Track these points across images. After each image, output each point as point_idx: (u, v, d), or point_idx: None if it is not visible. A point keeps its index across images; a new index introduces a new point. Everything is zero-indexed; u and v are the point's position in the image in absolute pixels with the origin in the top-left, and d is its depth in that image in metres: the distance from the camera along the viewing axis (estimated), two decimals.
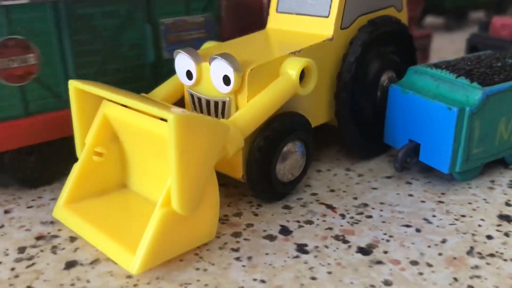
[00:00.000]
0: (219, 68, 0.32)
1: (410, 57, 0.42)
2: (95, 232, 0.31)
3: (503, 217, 0.34)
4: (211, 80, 0.33)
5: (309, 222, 0.33)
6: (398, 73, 0.41)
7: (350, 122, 0.39)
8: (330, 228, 0.32)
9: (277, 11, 0.41)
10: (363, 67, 0.38)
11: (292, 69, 0.33)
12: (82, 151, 0.34)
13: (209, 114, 0.35)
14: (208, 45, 0.39)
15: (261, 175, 0.33)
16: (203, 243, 0.30)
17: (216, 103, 0.34)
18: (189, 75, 0.34)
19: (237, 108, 0.33)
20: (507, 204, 0.35)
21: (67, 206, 0.33)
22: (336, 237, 0.32)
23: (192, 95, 0.35)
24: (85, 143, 0.34)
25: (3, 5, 0.33)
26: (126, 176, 0.35)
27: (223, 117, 0.34)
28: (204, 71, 0.34)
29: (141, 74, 0.40)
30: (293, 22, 0.39)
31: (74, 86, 0.33)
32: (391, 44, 0.40)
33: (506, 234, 0.32)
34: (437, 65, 0.39)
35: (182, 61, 0.34)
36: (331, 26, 0.37)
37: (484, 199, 0.36)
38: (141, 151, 0.34)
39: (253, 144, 0.33)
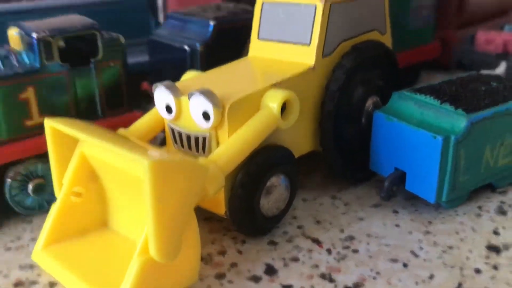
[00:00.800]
0: (198, 104, 0.31)
1: (394, 80, 0.42)
2: (74, 279, 0.30)
3: (491, 248, 0.33)
4: (190, 114, 0.32)
5: (295, 259, 0.32)
6: (382, 97, 0.40)
7: (335, 150, 0.38)
8: (316, 266, 0.32)
9: (258, 38, 0.40)
10: (347, 94, 0.38)
11: (273, 102, 0.33)
12: (60, 191, 0.33)
13: (189, 148, 0.34)
14: (188, 75, 0.38)
15: (245, 211, 0.32)
16: (185, 287, 0.30)
17: (196, 138, 0.33)
18: (168, 109, 0.34)
19: (217, 143, 0.32)
20: (495, 232, 0.35)
21: (46, 249, 0.32)
22: (323, 276, 0.31)
23: (172, 129, 0.34)
24: (63, 183, 0.33)
25: None
26: (106, 215, 0.34)
27: (203, 151, 0.33)
28: (183, 105, 0.33)
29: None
30: (275, 50, 0.39)
31: (50, 125, 0.32)
32: (375, 69, 0.40)
33: (495, 267, 0.31)
34: (421, 90, 0.38)
35: (161, 95, 0.33)
36: (312, 55, 0.36)
37: (472, 227, 0.35)
38: (120, 189, 0.33)
39: (235, 180, 0.32)
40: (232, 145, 0.31)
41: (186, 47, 0.43)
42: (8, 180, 0.36)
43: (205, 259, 0.33)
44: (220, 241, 0.35)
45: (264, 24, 0.39)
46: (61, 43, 0.36)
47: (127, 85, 0.39)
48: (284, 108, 0.33)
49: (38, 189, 0.37)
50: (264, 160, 0.32)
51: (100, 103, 0.38)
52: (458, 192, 0.36)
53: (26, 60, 0.35)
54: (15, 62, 0.35)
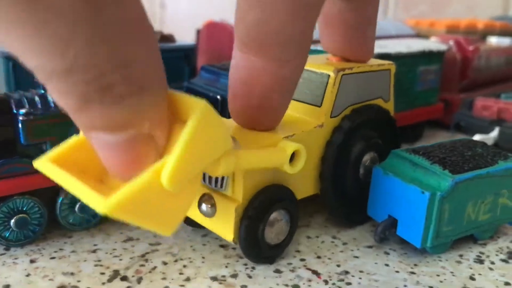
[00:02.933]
0: None
1: (391, 139, 0.48)
2: (73, 181, 0.29)
3: None
4: None
5: (296, 286, 0.38)
6: (380, 154, 0.46)
7: (333, 196, 0.44)
8: None
9: None
10: (346, 150, 0.44)
11: (285, 150, 0.38)
12: None
13: (210, 182, 0.39)
14: None
15: (251, 239, 0.38)
16: (159, 232, 0.30)
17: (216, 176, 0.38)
18: None
19: (233, 180, 0.38)
20: (471, 278, 0.40)
21: (50, 161, 0.31)
22: None
23: None
24: None
25: None
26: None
27: (221, 186, 0.38)
28: None
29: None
30: (289, 106, 0.43)
31: None
32: (373, 129, 0.46)
33: None
34: (415, 151, 0.44)
35: None
36: (322, 115, 0.42)
37: (451, 272, 0.41)
38: None
39: (244, 212, 0.38)
40: (249, 152, 0.36)
41: (218, 97, 0.50)
42: (60, 199, 0.42)
43: (219, 280, 0.38)
44: (233, 266, 0.40)
45: None
46: None
47: None
48: (292, 157, 0.38)
49: (83, 209, 0.43)
50: (268, 196, 0.38)
51: None
52: (441, 239, 0.41)
53: None
54: None
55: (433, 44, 0.68)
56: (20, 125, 0.40)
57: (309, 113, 0.44)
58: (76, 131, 0.40)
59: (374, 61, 0.47)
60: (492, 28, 0.93)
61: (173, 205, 0.30)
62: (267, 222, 0.39)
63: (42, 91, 0.42)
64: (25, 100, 0.41)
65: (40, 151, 0.41)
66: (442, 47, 0.67)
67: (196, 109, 0.27)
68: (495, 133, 0.60)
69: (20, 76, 0.50)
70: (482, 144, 0.47)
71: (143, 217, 0.28)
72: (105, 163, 0.28)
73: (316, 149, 0.43)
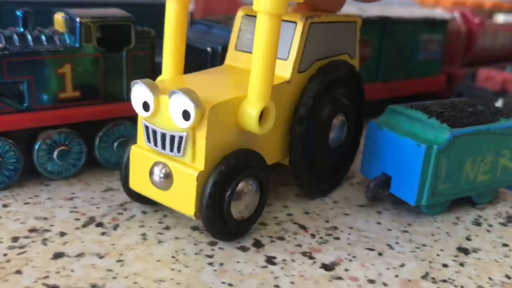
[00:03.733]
0: (179, 102, 0.31)
1: (359, 99, 0.44)
2: None
3: (461, 249, 0.36)
4: (169, 113, 0.32)
5: (281, 238, 0.36)
6: (347, 116, 0.42)
7: (301, 159, 0.39)
8: (299, 245, 0.35)
9: (236, 49, 0.41)
10: (315, 115, 0.39)
11: (252, 109, 0.33)
12: None
13: (163, 147, 0.34)
14: (164, 77, 0.38)
15: (215, 214, 0.33)
16: None
17: (172, 137, 0.33)
18: (145, 106, 0.33)
19: (194, 143, 0.33)
20: (467, 238, 0.38)
21: None
22: (304, 253, 0.34)
23: (147, 127, 0.34)
24: None
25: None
26: None
27: (178, 151, 0.33)
28: (162, 103, 0.33)
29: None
30: (251, 61, 0.37)
31: None
32: (341, 88, 0.42)
33: (461, 264, 0.34)
34: (413, 106, 0.42)
35: (139, 92, 0.33)
36: (289, 69, 0.38)
37: (447, 232, 0.39)
38: None
39: (208, 180, 0.33)
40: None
41: (208, 49, 0.48)
42: (37, 144, 0.40)
43: (200, 229, 0.36)
44: None
45: (242, 36, 0.40)
46: (99, 31, 0.41)
47: (152, 74, 0.44)
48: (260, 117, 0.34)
49: (62, 156, 0.41)
50: (236, 163, 0.33)
51: (126, 87, 0.43)
52: (437, 198, 0.39)
53: (67, 41, 0.40)
54: (57, 41, 0.40)
55: (437, 12, 0.65)
56: None
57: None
58: (52, 71, 0.39)
59: (341, 13, 0.43)
60: (499, 7, 0.90)
61: None
62: (234, 192, 0.33)
63: (21, 30, 0.40)
64: (2, 37, 0.39)
65: (17, 91, 0.40)
66: (446, 16, 0.65)
67: None
68: (499, 103, 0.58)
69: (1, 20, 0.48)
70: (484, 101, 0.44)
71: None
72: None
73: (283, 108, 0.38)
